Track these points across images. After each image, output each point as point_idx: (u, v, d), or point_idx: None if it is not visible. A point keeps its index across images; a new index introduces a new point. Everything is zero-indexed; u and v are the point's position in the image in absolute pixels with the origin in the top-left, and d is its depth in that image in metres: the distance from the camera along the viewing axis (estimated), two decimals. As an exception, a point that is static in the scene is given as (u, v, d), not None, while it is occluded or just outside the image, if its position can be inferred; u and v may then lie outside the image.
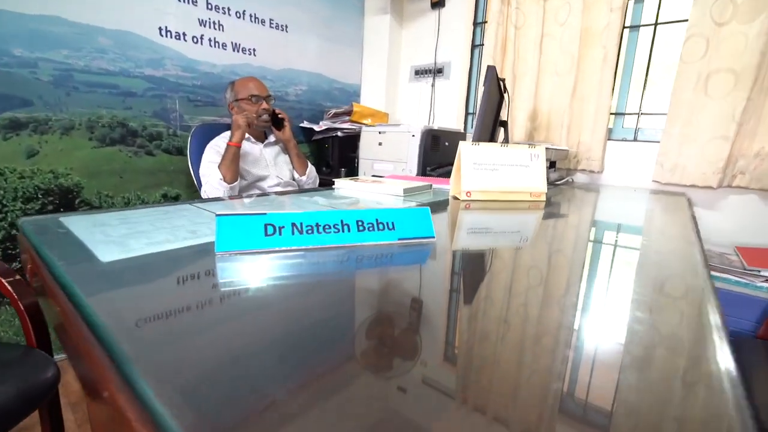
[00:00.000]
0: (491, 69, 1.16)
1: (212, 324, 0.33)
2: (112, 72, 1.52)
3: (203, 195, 1.45)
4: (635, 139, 1.80)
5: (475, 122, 1.12)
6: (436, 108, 2.38)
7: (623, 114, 1.85)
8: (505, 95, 1.43)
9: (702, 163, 1.53)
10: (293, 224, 0.50)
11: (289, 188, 1.62)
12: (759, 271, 1.20)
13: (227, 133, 1.49)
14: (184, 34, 1.69)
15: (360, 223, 0.53)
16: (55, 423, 0.86)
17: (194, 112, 1.78)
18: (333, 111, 2.21)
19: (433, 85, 2.37)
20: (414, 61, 2.46)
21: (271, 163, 1.61)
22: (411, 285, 0.47)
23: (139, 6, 1.55)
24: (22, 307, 0.81)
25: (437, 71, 2.35)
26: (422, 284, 0.47)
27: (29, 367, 0.78)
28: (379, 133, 1.89)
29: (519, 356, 0.31)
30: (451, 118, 2.31)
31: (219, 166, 1.40)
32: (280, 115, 1.58)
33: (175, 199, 1.77)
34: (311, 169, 1.72)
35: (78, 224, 0.59)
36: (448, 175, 1.52)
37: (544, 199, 1.04)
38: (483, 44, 2.12)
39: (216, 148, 1.47)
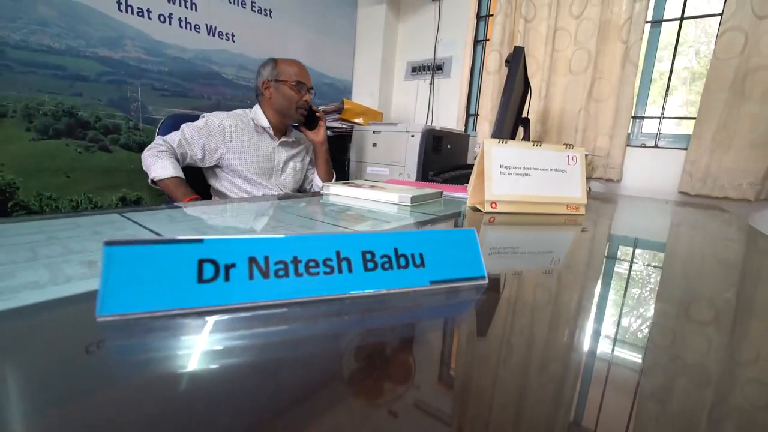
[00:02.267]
0: (519, 50, 0.96)
1: None
2: (56, 50, 1.27)
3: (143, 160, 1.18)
4: (656, 146, 1.63)
5: (496, 116, 0.92)
6: (436, 107, 2.19)
7: (643, 117, 1.68)
8: (530, 89, 1.24)
9: (738, 173, 1.36)
10: (251, 260, 0.28)
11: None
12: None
13: (240, 112, 1.29)
14: (148, 11, 1.45)
15: (368, 256, 0.32)
16: None
17: (160, 103, 1.53)
18: (321, 108, 1.99)
19: (432, 83, 2.18)
20: (411, 56, 2.27)
21: (278, 166, 1.38)
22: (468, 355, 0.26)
23: (93, -26, 1.31)
24: None
25: (436, 68, 2.16)
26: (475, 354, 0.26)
27: None
28: (374, 132, 1.68)
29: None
30: (450, 120, 2.12)
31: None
32: (317, 114, 1.37)
33: (137, 203, 1.51)
34: (334, 177, 1.51)
35: None
36: (453, 181, 1.32)
37: (584, 212, 0.84)
38: (488, 39, 1.94)
39: (217, 121, 1.24)
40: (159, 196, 1.54)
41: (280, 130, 1.39)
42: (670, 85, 1.58)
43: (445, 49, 2.13)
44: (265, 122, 1.34)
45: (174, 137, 1.19)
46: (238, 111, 1.35)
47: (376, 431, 0.19)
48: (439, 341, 0.29)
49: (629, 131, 1.65)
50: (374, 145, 1.67)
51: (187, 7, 1.55)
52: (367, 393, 0.21)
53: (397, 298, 0.32)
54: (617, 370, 0.26)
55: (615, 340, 0.30)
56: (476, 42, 2.06)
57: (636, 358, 0.28)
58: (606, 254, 0.63)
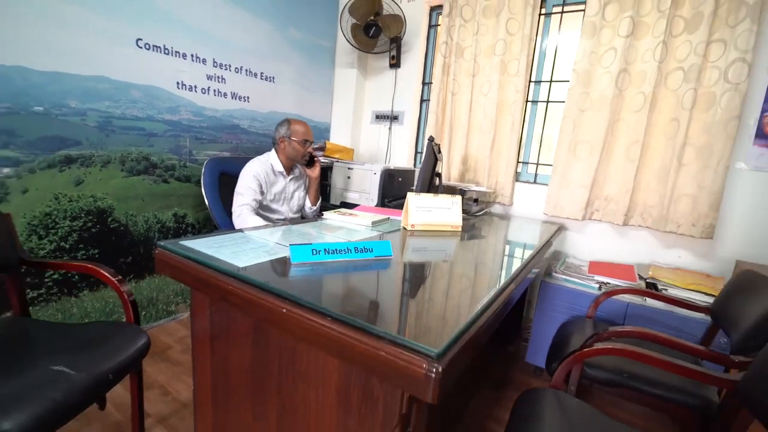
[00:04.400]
0: (430, 143, 1.74)
1: (304, 283, 0.85)
2: (140, 118, 1.93)
3: (234, 211, 1.86)
4: (535, 182, 2.48)
5: (417, 176, 1.70)
6: (392, 146, 2.96)
7: (527, 163, 2.53)
8: (439, 156, 2.02)
9: (572, 203, 2.22)
10: (325, 249, 1.02)
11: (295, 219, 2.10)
12: (593, 277, 1.88)
13: (265, 159, 1.97)
14: (195, 87, 2.13)
15: (356, 248, 1.07)
16: (140, 376, 1.28)
17: (200, 148, 2.21)
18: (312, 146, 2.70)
19: (390, 128, 2.95)
20: (375, 107, 3.03)
21: (288, 196, 2.08)
22: (383, 277, 1.01)
23: (163, 65, 1.97)
24: (125, 295, 1.24)
25: (393, 117, 2.94)
26: (385, 276, 1.01)
27: (129, 337, 1.21)
28: (348, 168, 2.42)
29: (434, 293, 0.86)
30: (404, 155, 2.90)
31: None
32: (315, 158, 2.07)
33: (183, 218, 2.17)
34: (320, 201, 2.22)
35: (198, 246, 1.06)
36: (400, 206, 2.08)
37: (460, 230, 1.62)
38: (429, 100, 2.74)
39: (256, 170, 1.91)
40: (198, 212, 2.22)
41: (289, 169, 2.10)
42: (542, 144, 2.44)
43: (400, 104, 2.91)
44: (280, 167, 2.04)
45: (248, 197, 1.85)
46: (261, 158, 2.03)
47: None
48: (378, 271, 1.04)
49: (518, 171, 2.50)
50: (348, 177, 2.41)
51: (219, 82, 2.23)
52: (363, 277, 0.97)
53: (365, 261, 1.07)
54: (434, 284, 1.03)
55: (445, 272, 1.07)
56: (422, 100, 2.86)
57: (441, 276, 1.05)
58: (463, 245, 1.41)
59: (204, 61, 2.14)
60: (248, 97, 2.42)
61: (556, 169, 2.26)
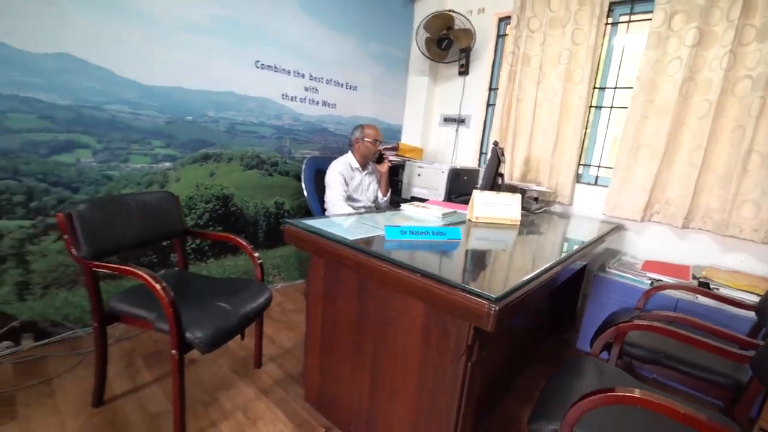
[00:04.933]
0: (495, 147, 2.00)
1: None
2: (255, 123, 2.40)
3: (326, 198, 2.29)
4: (595, 184, 2.62)
5: (482, 175, 1.96)
6: (459, 147, 3.23)
7: (588, 165, 2.67)
8: (502, 158, 2.26)
9: (632, 204, 2.34)
10: (410, 231, 1.35)
11: (372, 209, 2.48)
12: (645, 274, 2.02)
13: (344, 158, 2.36)
14: (295, 97, 2.57)
15: (433, 231, 1.38)
16: (261, 321, 1.72)
17: (297, 147, 2.65)
18: (384, 146, 3.06)
19: (457, 130, 3.22)
20: (443, 110, 3.31)
21: (366, 187, 2.47)
22: (454, 253, 1.31)
23: (272, 81, 2.43)
24: (257, 260, 1.67)
25: (460, 120, 3.19)
26: (456, 255, 1.31)
27: (259, 291, 1.63)
28: (419, 167, 2.74)
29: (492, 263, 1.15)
30: (469, 155, 3.15)
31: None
32: (384, 155, 2.45)
33: (282, 205, 2.64)
34: (389, 193, 2.58)
35: (315, 224, 1.44)
36: (466, 202, 2.36)
37: (519, 224, 1.87)
38: (494, 104, 2.96)
39: (339, 168, 2.31)
40: (295, 200, 2.67)
41: (364, 165, 2.48)
42: (605, 146, 2.57)
43: (467, 108, 3.16)
44: (356, 164, 2.42)
45: (338, 189, 2.24)
46: (341, 158, 2.41)
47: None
48: (451, 250, 1.35)
49: (579, 173, 2.64)
50: (419, 174, 2.73)
51: (313, 92, 2.66)
52: (440, 252, 1.29)
53: (440, 242, 1.38)
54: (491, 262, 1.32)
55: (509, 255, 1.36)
56: (488, 105, 3.08)
57: (499, 259, 1.34)
58: (520, 237, 1.66)
59: (303, 75, 2.57)
60: (335, 104, 2.83)
61: (617, 172, 2.39)
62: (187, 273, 1.76)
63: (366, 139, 2.37)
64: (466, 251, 1.41)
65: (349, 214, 1.78)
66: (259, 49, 2.31)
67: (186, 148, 2.14)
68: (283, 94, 2.50)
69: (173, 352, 1.26)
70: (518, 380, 1.95)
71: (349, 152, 2.44)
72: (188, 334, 1.26)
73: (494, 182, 2.08)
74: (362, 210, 2.44)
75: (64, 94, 1.73)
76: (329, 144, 2.86)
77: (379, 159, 2.49)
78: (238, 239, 1.71)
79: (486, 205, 1.83)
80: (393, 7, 3.08)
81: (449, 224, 1.69)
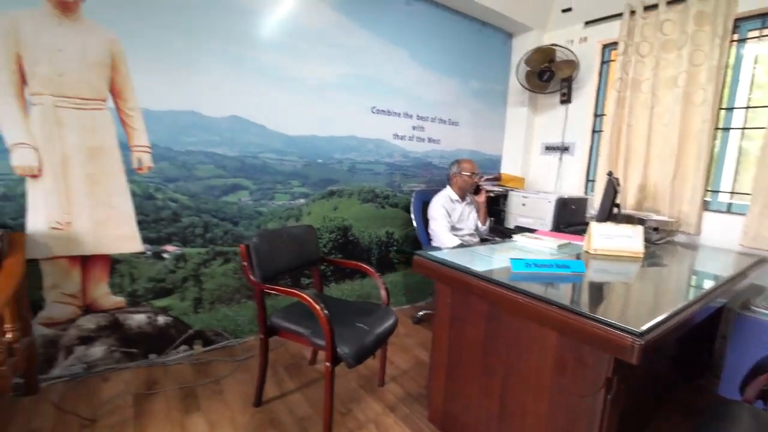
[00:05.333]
0: (609, 177, 1.99)
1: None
2: (371, 162, 2.70)
3: (431, 231, 2.48)
4: (728, 211, 2.40)
5: (591, 204, 1.96)
6: (562, 175, 3.19)
7: (718, 191, 2.46)
8: (618, 189, 2.21)
9: (777, 235, 2.11)
10: (534, 264, 1.43)
11: (474, 236, 2.60)
12: (802, 313, 1.79)
13: (444, 192, 2.54)
14: (404, 137, 2.83)
15: (557, 264, 1.45)
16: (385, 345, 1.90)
17: (405, 181, 2.90)
18: (485, 176, 3.17)
19: (560, 159, 3.20)
20: (544, 139, 3.32)
21: (466, 217, 2.61)
22: (581, 287, 1.36)
23: (386, 123, 2.72)
24: (384, 286, 1.88)
25: (564, 148, 3.17)
26: (583, 287, 1.36)
27: (387, 315, 1.82)
28: (523, 197, 2.78)
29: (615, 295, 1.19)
30: (574, 183, 3.10)
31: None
32: (480, 187, 2.60)
33: (392, 234, 2.87)
34: (489, 221, 2.69)
35: (441, 255, 1.60)
36: (577, 232, 2.34)
37: (641, 256, 1.82)
38: (602, 130, 2.90)
39: (441, 201, 2.50)
40: (404, 230, 2.89)
41: (462, 197, 2.61)
42: (738, 170, 2.36)
43: (570, 135, 3.14)
44: (455, 196, 2.57)
45: (442, 220, 2.43)
46: (442, 192, 2.57)
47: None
48: (575, 283, 1.41)
49: (708, 199, 2.45)
50: (523, 204, 2.77)
51: (420, 131, 2.90)
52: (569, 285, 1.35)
53: (563, 275, 1.44)
54: (614, 289, 1.35)
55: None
56: (594, 131, 3.03)
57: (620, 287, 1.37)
58: (643, 270, 1.64)
59: (411, 116, 2.83)
60: (439, 140, 3.03)
61: (757, 197, 2.18)
62: (324, 295, 2.03)
63: (463, 173, 2.52)
64: (591, 284, 1.45)
65: (464, 246, 1.92)
66: (375, 97, 2.63)
67: (316, 186, 2.50)
68: (394, 134, 2.77)
69: (327, 364, 1.48)
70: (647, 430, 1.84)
71: (448, 186, 2.61)
72: (339, 350, 1.48)
73: (610, 213, 2.06)
74: (465, 237, 2.56)
75: (233, 148, 2.17)
76: (434, 177, 3.05)
77: (476, 190, 2.63)
78: (368, 267, 1.94)
79: (604, 237, 1.83)
80: (492, 45, 3.24)
81: (566, 256, 1.73)
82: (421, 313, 2.81)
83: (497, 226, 2.92)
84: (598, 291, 1.40)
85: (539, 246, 1.91)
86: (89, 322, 1.97)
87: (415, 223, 2.58)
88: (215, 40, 2.03)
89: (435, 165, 3.06)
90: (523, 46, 3.18)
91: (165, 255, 2.10)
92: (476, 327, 1.47)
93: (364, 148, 2.65)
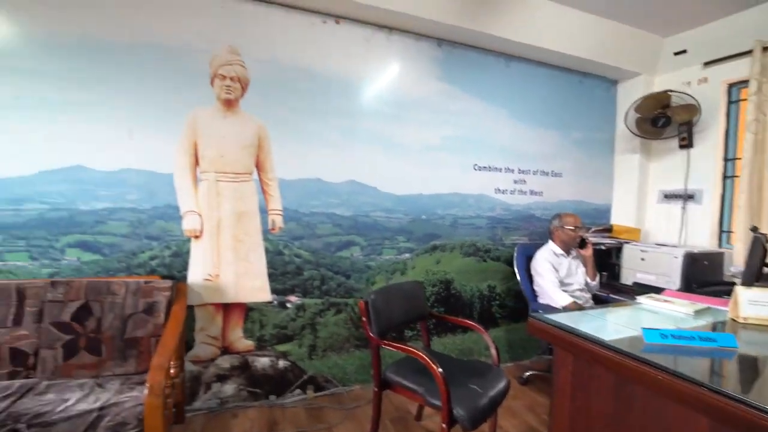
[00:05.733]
0: (756, 236, 1.77)
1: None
2: (473, 216, 2.76)
3: (538, 287, 2.41)
4: None
5: (742, 266, 1.74)
6: (688, 226, 2.88)
7: None
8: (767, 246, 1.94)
9: None
10: (671, 335, 1.32)
11: (584, 291, 2.46)
12: None
13: (547, 246, 2.47)
14: (505, 190, 2.85)
15: (700, 337, 1.31)
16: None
17: (507, 235, 2.88)
18: (593, 228, 3.00)
19: (683, 208, 2.90)
20: (662, 186, 3.06)
21: (574, 272, 2.50)
22: (735, 366, 1.21)
23: (487, 179, 2.78)
24: (494, 345, 1.86)
25: (688, 197, 2.88)
26: (739, 366, 1.20)
27: (499, 376, 1.78)
28: (641, 250, 2.56)
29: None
30: (702, 235, 2.77)
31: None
32: (586, 240, 2.49)
33: (494, 288, 2.83)
34: (598, 276, 2.53)
35: (559, 319, 1.55)
36: (713, 294, 2.07)
37: (810, 328, 1.54)
38: (736, 176, 2.59)
39: (545, 256, 2.44)
40: (506, 284, 2.83)
41: (567, 251, 2.49)
42: None
43: (695, 182, 2.85)
44: (559, 250, 2.47)
45: (550, 276, 2.36)
46: (544, 248, 2.50)
47: (715, 366, 1.19)
48: (725, 359, 1.25)
49: None
50: (642, 259, 2.54)
51: (521, 184, 2.90)
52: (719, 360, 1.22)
53: (709, 350, 1.29)
54: None
55: None
56: (725, 177, 2.71)
57: None
58: (812, 350, 1.39)
59: (512, 170, 2.86)
60: (541, 192, 2.98)
61: None
62: (435, 351, 2.07)
63: (566, 227, 2.43)
64: (748, 361, 1.27)
65: (577, 304, 1.83)
66: (476, 154, 2.73)
67: (420, 241, 2.61)
68: (496, 189, 2.81)
69: (443, 426, 1.50)
70: None
71: (550, 241, 2.52)
72: (454, 411, 1.49)
73: (760, 274, 1.80)
74: (576, 293, 2.42)
75: (349, 208, 2.42)
76: (536, 229, 2.98)
77: (582, 244, 2.48)
78: (477, 326, 1.94)
79: (757, 304, 1.60)
80: (595, 95, 3.18)
81: (707, 324, 1.54)
82: (528, 373, 2.66)
83: (611, 281, 2.71)
84: (757, 372, 1.22)
85: (671, 310, 1.73)
86: (225, 362, 2.26)
87: (519, 278, 2.53)
88: (334, 117, 2.35)
89: (537, 217, 2.99)
90: (630, 92, 3.06)
91: (288, 304, 2.35)
92: (604, 401, 1.37)
93: (465, 203, 2.73)
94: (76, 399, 1.55)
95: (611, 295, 2.56)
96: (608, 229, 2.90)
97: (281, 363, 2.35)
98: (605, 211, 3.27)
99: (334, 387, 2.46)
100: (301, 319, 2.37)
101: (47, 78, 1.85)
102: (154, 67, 2.00)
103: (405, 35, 2.50)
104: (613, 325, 1.52)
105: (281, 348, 2.35)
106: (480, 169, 2.75)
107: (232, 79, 2.11)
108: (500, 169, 2.82)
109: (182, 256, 2.12)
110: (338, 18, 2.34)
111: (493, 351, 1.88)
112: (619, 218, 3.20)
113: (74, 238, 1.97)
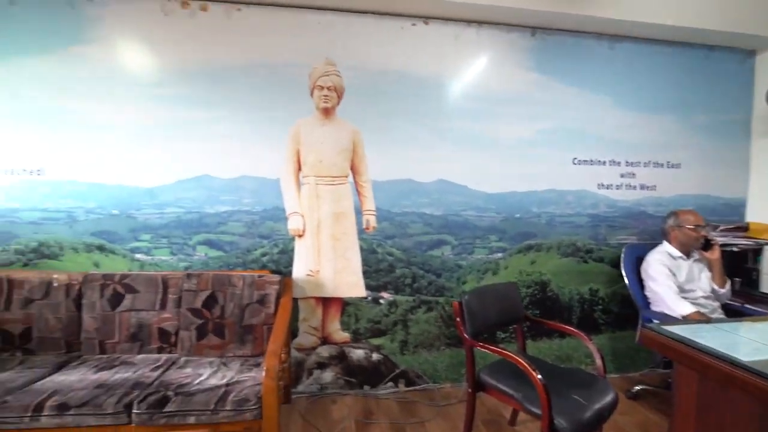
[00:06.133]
0: None
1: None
2: (571, 214, 2.58)
3: (651, 293, 2.18)
4: None
5: None
6: None
7: None
8: None
9: None
10: (838, 359, 1.09)
11: (709, 298, 2.16)
12: None
13: (661, 248, 2.22)
14: (610, 185, 2.60)
15: None
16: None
17: (612, 234, 2.63)
18: (722, 227, 2.59)
19: None
20: (820, 176, 2.52)
21: (697, 276, 2.21)
22: None
23: (588, 174, 2.57)
24: (597, 353, 1.73)
25: None
26: None
27: (606, 389, 1.65)
28: (790, 254, 2.15)
29: None
30: None
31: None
32: (711, 241, 2.18)
33: (596, 292, 2.62)
34: (729, 283, 2.20)
35: (678, 331, 1.39)
36: None
37: None
38: None
39: (660, 259, 2.19)
40: (609, 287, 2.60)
41: (687, 253, 2.18)
42: None
43: None
44: (677, 253, 2.18)
45: (665, 281, 2.11)
46: (658, 249, 2.24)
47: None
48: None
49: None
50: (790, 264, 2.14)
51: (629, 177, 2.62)
52: None
53: None
54: None
55: None
56: None
57: None
58: None
59: (618, 163, 2.60)
60: (654, 186, 2.67)
61: None
62: (532, 357, 1.99)
63: (685, 226, 2.14)
64: None
65: (702, 314, 1.60)
66: (576, 147, 2.54)
67: (513, 241, 2.52)
68: (599, 184, 2.59)
69: (543, 434, 1.44)
70: None
71: (665, 242, 2.24)
72: (555, 421, 1.43)
73: None
74: (700, 300, 2.13)
75: (439, 207, 2.43)
76: (648, 228, 2.68)
77: (706, 245, 2.15)
78: (580, 333, 1.83)
79: None
80: (724, 69, 2.72)
81: None
82: (638, 387, 2.41)
83: (747, 290, 2.32)
84: None
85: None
86: (324, 352, 2.44)
87: (627, 281, 2.30)
88: (424, 117, 2.38)
89: (649, 214, 2.68)
90: (771, 64, 2.58)
91: (381, 301, 2.45)
92: (740, 430, 1.19)
93: (563, 200, 2.56)
94: (207, 374, 1.82)
95: (747, 306, 2.19)
96: (743, 228, 2.47)
97: (375, 356, 2.46)
98: (738, 207, 2.79)
99: (424, 383, 2.50)
100: (393, 315, 2.45)
101: (180, 102, 2.18)
102: (261, 84, 2.23)
103: (495, 28, 2.42)
104: (750, 342, 1.31)
105: (375, 341, 2.46)
106: (580, 162, 2.55)
107: (329, 88, 2.25)
108: (604, 162, 2.58)
109: (288, 253, 2.34)
110: (427, 19, 2.35)
111: (599, 360, 1.75)
112: (757, 215, 2.71)
113: (202, 237, 2.29)
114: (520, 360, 1.53)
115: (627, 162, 2.61)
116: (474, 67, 2.42)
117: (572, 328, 1.87)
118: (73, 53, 2.10)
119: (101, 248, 2.23)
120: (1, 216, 2.16)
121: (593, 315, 2.63)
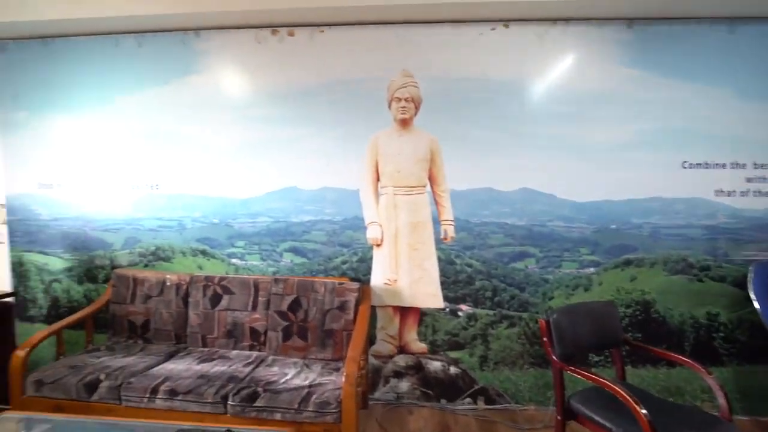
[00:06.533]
0: None
1: None
2: (681, 225, 2.26)
3: None
4: None
5: None
6: None
7: None
8: None
9: None
10: None
11: None
12: None
13: None
14: (733, 191, 2.23)
15: None
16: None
17: (736, 249, 2.24)
18: None
19: None
20: None
21: None
22: None
23: (701, 179, 2.23)
24: (720, 389, 1.47)
25: None
26: None
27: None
28: None
29: None
30: None
31: None
32: None
33: (716, 316, 2.24)
34: None
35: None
36: None
37: None
38: None
39: None
40: (732, 313, 2.21)
41: None
42: None
43: None
44: None
45: None
46: None
47: None
48: None
49: None
50: None
51: (759, 182, 2.22)
52: None
53: None
54: None
55: None
56: None
57: None
58: None
59: (743, 165, 2.22)
60: (794, 192, 2.22)
61: None
62: (635, 387, 1.76)
63: None
64: None
65: None
66: (685, 149, 2.23)
67: (608, 254, 2.28)
68: (716, 190, 2.23)
69: (650, 478, 1.26)
70: None
71: None
72: (665, 465, 1.24)
73: None
74: None
75: (522, 217, 2.30)
76: (788, 242, 2.24)
77: None
78: (696, 365, 1.57)
79: None
80: None
81: None
82: (774, 434, 2.00)
83: None
84: None
85: None
86: (401, 361, 2.42)
87: (757, 305, 1.93)
88: (505, 123, 2.28)
89: (787, 226, 2.24)
90: None
91: (459, 313, 2.38)
92: None
93: (671, 209, 2.25)
94: (292, 374, 1.92)
95: None
96: None
97: (452, 369, 2.39)
98: None
99: (506, 402, 2.36)
100: (472, 329, 2.36)
101: (269, 121, 2.39)
102: (341, 101, 2.34)
103: (584, 23, 2.23)
104: None
105: (453, 354, 2.39)
106: (691, 166, 2.22)
107: (406, 100, 2.27)
108: (723, 165, 2.21)
109: (366, 262, 2.39)
110: (507, 21, 2.26)
111: (722, 399, 1.48)
112: None
113: (288, 245, 2.45)
114: (619, 390, 1.36)
115: (755, 164, 2.21)
116: (560, 67, 2.25)
117: (684, 358, 1.62)
118: (184, 82, 2.42)
119: (204, 253, 2.50)
120: (129, 224, 2.55)
121: (712, 343, 2.26)
